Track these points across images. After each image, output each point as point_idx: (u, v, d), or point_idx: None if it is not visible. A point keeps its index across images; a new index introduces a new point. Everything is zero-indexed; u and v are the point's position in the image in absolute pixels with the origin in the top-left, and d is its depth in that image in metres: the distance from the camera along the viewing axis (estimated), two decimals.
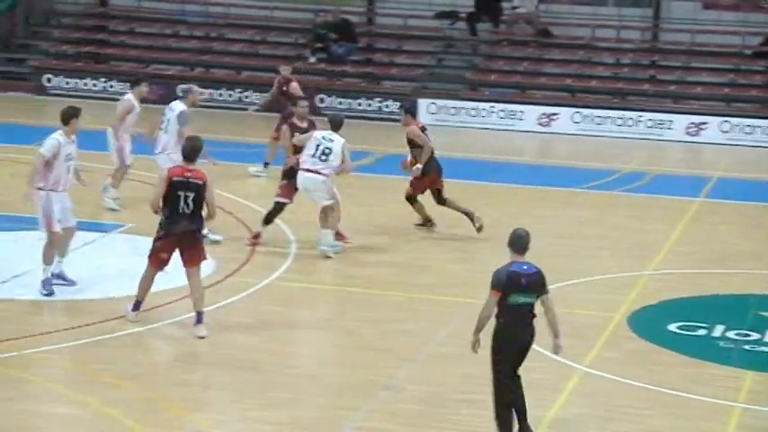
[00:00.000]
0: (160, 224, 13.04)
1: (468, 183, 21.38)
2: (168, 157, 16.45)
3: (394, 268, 16.01)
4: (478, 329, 10.34)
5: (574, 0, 29.67)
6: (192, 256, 13.07)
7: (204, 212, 13.09)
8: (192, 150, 13.06)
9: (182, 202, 12.85)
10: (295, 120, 17.09)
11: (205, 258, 13.25)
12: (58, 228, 14.01)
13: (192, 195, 12.86)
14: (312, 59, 28.65)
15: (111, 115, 21.41)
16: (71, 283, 14.40)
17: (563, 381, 12.08)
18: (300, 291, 15.00)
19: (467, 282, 15.30)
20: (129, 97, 18.38)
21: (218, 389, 11.85)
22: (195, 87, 17.57)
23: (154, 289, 13.59)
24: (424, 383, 11.85)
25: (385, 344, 13.13)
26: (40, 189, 13.96)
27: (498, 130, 27.22)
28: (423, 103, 27.22)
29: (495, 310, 10.25)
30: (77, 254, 15.57)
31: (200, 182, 12.92)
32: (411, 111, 18.22)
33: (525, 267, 10.27)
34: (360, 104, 27.48)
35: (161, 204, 12.94)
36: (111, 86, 27.52)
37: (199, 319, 13.12)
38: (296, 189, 16.45)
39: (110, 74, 27.91)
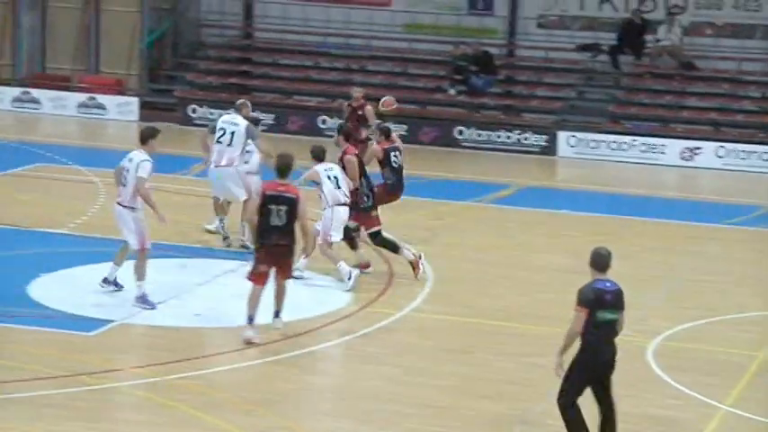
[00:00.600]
0: (257, 238, 13.48)
1: (607, 217, 21.11)
2: (236, 170, 16.65)
3: (529, 300, 15.86)
4: (565, 349, 10.44)
5: (719, 33, 29.19)
6: (283, 269, 13.56)
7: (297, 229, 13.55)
8: (285, 167, 13.58)
9: (274, 216, 13.29)
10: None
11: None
12: (149, 245, 14.53)
13: (284, 209, 13.30)
14: (451, 91, 28.69)
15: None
16: (120, 287, 14.90)
17: (704, 420, 11.79)
18: (436, 322, 14.94)
19: None
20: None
21: (351, 419, 11.84)
22: (248, 102, 17.73)
23: (291, 318, 13.67)
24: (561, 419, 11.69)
25: (520, 377, 12.99)
26: (133, 209, 14.51)
27: (639, 163, 26.85)
28: (562, 136, 27.02)
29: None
30: (218, 281, 15.79)
31: (292, 196, 13.37)
32: (384, 130, 17.60)
33: (608, 284, 10.38)
34: (499, 137, 27.38)
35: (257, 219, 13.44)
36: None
37: (277, 315, 13.79)
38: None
39: (253, 105, 28.20)
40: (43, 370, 12.46)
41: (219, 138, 16.82)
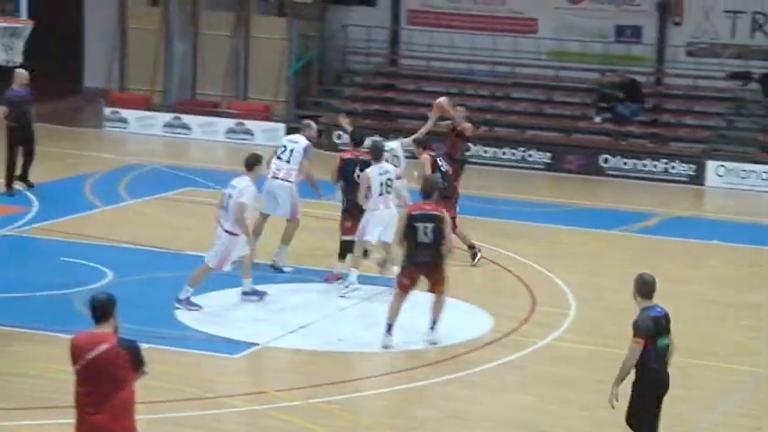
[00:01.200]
0: (404, 256, 14.02)
1: (756, 248, 20.67)
2: (291, 187, 16.96)
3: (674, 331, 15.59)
4: (621, 380, 10.41)
5: None
6: (437, 282, 14.18)
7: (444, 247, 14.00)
8: (431, 188, 14.35)
9: (421, 233, 13.88)
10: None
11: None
12: (227, 269, 15.20)
13: (430, 226, 13.86)
14: (597, 119, 28.45)
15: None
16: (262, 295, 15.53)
17: None
18: (579, 351, 14.79)
19: (753, 350, 14.73)
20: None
21: None
22: (313, 124, 18.00)
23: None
24: None
25: (663, 409, 12.75)
26: (228, 232, 15.02)
27: None
28: (711, 165, 26.56)
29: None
30: (361, 307, 15.87)
31: (438, 213, 14.00)
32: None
33: (659, 310, 10.43)
34: (645, 165, 27.04)
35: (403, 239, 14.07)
36: None
37: (433, 326, 14.32)
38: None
39: (396, 131, 28.44)
40: (189, 391, 12.68)
41: (280, 154, 17.25)
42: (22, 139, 21.28)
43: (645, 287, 10.53)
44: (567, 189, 25.01)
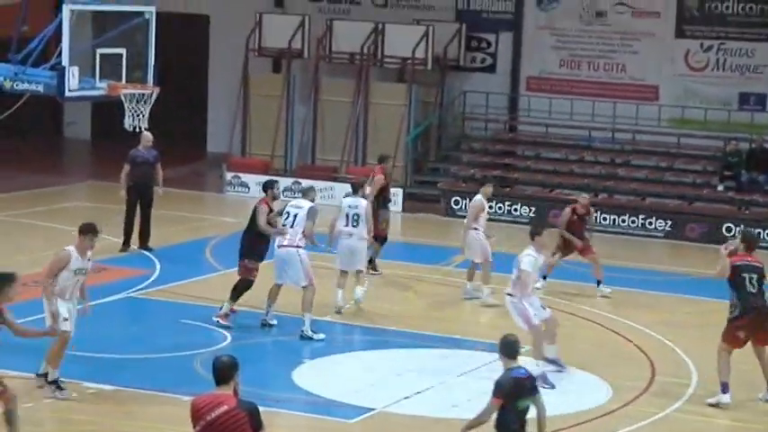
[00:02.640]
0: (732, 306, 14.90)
1: None
2: (298, 252, 17.04)
3: None
4: (466, 428, 10.53)
5: None
6: (763, 337, 14.89)
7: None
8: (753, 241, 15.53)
9: (747, 284, 14.80)
10: None
11: None
12: (537, 323, 15.48)
13: (755, 277, 14.83)
14: (720, 187, 28.16)
15: (514, 238, 21.83)
16: (562, 368, 15.81)
17: None
18: (700, 423, 14.57)
19: None
20: (479, 197, 19.90)
21: None
22: (315, 187, 19.23)
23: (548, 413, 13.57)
24: None
25: None
26: (510, 295, 15.67)
27: None
28: None
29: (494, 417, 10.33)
30: (477, 374, 15.84)
31: (759, 264, 14.96)
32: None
33: (524, 371, 10.53)
34: None
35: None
36: (515, 210, 28.06)
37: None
38: None
39: (514, 198, 28.48)
40: None
41: (284, 221, 17.37)
42: (139, 199, 21.89)
43: (507, 348, 10.61)
44: (687, 258, 24.72)
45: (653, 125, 29.80)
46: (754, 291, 14.82)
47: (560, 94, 30.52)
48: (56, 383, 14.03)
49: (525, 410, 10.52)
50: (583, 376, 16.00)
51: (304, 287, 17.09)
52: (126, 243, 22.05)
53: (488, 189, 20.42)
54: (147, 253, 21.92)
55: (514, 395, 10.40)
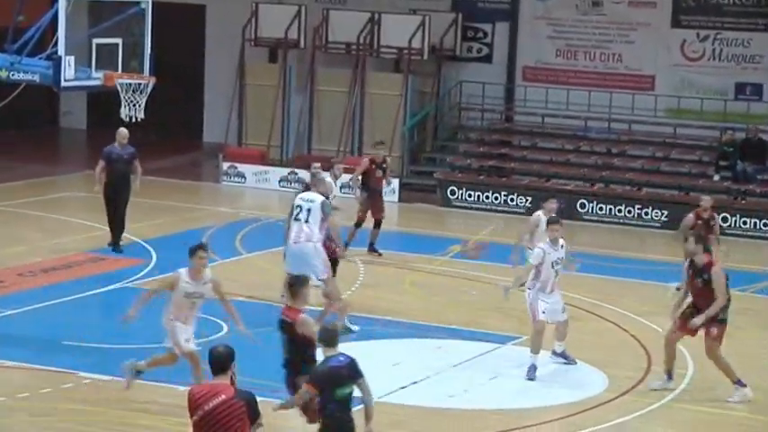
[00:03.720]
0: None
1: None
2: (315, 247, 16.74)
3: None
4: (284, 407, 10.79)
5: None
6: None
7: None
8: None
9: None
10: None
11: None
12: (540, 319, 15.46)
13: None
14: (716, 177, 28.17)
15: (510, 228, 21.86)
16: (571, 361, 15.91)
17: None
18: (694, 414, 14.60)
19: None
20: (539, 213, 18.17)
21: None
22: (326, 177, 18.28)
23: (547, 402, 13.55)
24: None
25: None
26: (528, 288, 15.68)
27: None
28: None
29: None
30: (472, 364, 15.89)
31: None
32: None
33: (342, 359, 10.41)
34: (765, 224, 26.65)
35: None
36: (512, 200, 28.07)
37: None
38: None
39: (511, 188, 28.49)
40: None
41: (297, 215, 17.10)
42: (113, 197, 21.15)
43: (325, 336, 10.58)
44: (683, 248, 24.71)
45: (649, 115, 29.81)
46: None
47: (556, 84, 30.51)
48: (138, 373, 13.81)
49: (346, 397, 10.40)
50: (579, 366, 16.03)
51: (322, 280, 16.87)
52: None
53: (551, 205, 18.02)
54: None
55: (331, 383, 10.34)
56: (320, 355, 10.66)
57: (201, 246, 13.72)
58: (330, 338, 10.60)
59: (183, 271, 13.52)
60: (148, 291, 14.07)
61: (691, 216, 20.15)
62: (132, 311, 13.63)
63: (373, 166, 22.45)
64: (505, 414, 14.17)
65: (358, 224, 22.11)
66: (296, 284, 12.27)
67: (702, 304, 14.83)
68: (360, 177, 22.46)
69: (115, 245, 21.35)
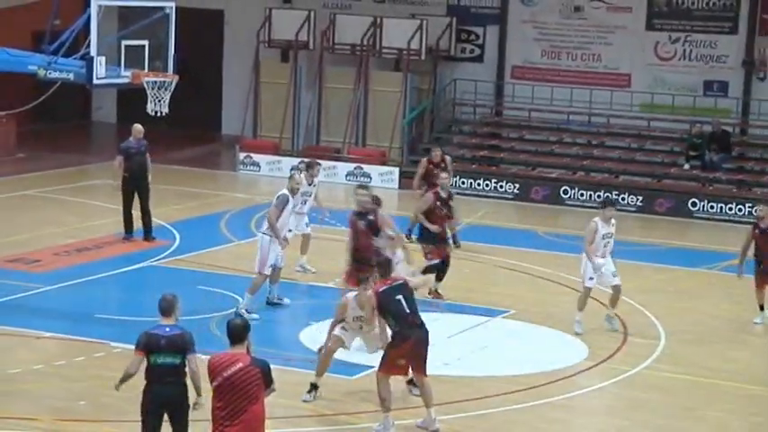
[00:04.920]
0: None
1: None
2: (262, 237, 16.59)
3: (762, 362, 15.31)
4: (120, 382, 10.24)
5: None
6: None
7: None
8: None
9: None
10: None
11: None
12: (588, 285, 16.24)
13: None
14: (686, 166, 28.14)
15: (500, 213, 21.75)
16: (614, 328, 16.31)
17: None
18: (669, 380, 14.59)
19: None
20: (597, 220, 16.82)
21: None
22: (296, 175, 17.73)
23: (531, 370, 13.53)
24: None
25: None
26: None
27: None
28: None
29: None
30: (465, 335, 15.88)
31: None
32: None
33: (167, 329, 10.09)
34: (731, 209, 26.62)
35: None
36: (501, 187, 28.02)
37: None
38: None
39: (500, 176, 28.43)
40: (309, 408, 12.80)
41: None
42: (134, 189, 20.65)
43: (161, 304, 10.33)
44: (657, 230, 24.72)
45: (625, 110, 29.73)
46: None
47: (542, 82, 30.42)
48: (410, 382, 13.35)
49: (159, 366, 10.04)
50: (562, 336, 16.02)
51: (258, 273, 16.57)
52: (128, 231, 20.76)
53: (609, 213, 16.46)
54: (170, 227, 21.72)
55: (147, 349, 10.08)
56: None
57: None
58: (163, 308, 10.33)
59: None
60: None
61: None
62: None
63: (431, 166, 21.87)
64: (495, 380, 14.14)
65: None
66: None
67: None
68: (420, 180, 21.78)
69: (147, 234, 20.73)
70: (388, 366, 12.21)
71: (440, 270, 17.48)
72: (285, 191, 16.88)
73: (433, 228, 17.67)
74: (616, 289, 16.26)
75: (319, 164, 20.61)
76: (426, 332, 12.36)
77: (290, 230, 17.86)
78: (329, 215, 19.77)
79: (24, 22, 28.76)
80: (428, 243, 17.71)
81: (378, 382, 12.20)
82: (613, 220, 16.51)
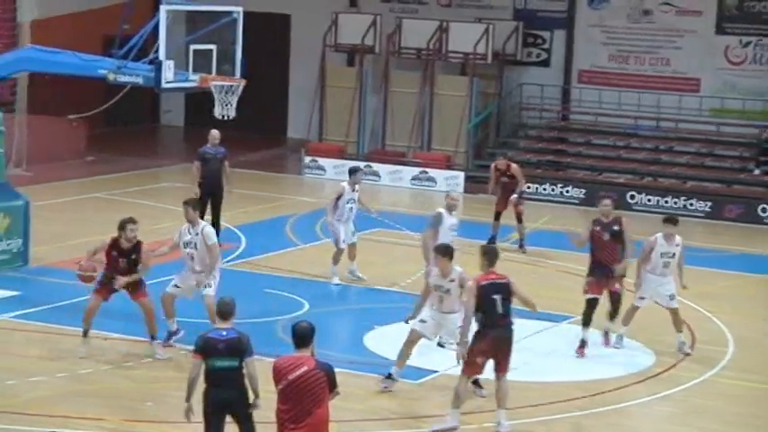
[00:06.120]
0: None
1: None
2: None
3: None
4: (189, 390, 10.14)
5: None
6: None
7: None
8: None
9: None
10: None
11: None
12: (639, 300, 15.65)
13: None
14: (756, 171, 27.81)
15: (566, 218, 21.64)
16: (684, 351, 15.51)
17: None
18: (737, 388, 14.42)
19: None
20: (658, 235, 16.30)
21: None
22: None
23: (600, 375, 13.45)
24: None
25: None
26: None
27: None
28: None
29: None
30: (533, 338, 15.81)
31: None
32: None
33: (224, 333, 10.03)
34: None
35: None
36: (567, 191, 27.88)
37: None
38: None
39: (566, 180, 28.30)
40: (373, 411, 12.82)
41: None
42: (210, 197, 20.59)
43: (219, 307, 10.25)
44: (725, 236, 24.45)
45: (694, 114, 29.47)
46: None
47: (609, 86, 30.27)
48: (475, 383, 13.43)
49: (216, 370, 10.02)
50: (630, 343, 15.89)
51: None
52: None
53: (667, 229, 15.68)
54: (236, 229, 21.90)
55: (204, 353, 10.05)
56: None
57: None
58: (222, 311, 10.28)
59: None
60: None
61: None
62: None
63: (498, 173, 21.96)
64: (562, 385, 14.08)
65: (496, 216, 21.85)
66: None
67: None
68: (494, 185, 22.02)
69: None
70: (467, 364, 12.31)
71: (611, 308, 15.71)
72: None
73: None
74: (673, 312, 15.57)
75: (362, 169, 20.71)
76: (511, 330, 12.36)
77: (343, 241, 18.09)
78: (376, 215, 19.81)
79: (95, 27, 29.17)
80: (588, 274, 15.79)
81: (459, 379, 12.41)
82: (679, 239, 15.56)
